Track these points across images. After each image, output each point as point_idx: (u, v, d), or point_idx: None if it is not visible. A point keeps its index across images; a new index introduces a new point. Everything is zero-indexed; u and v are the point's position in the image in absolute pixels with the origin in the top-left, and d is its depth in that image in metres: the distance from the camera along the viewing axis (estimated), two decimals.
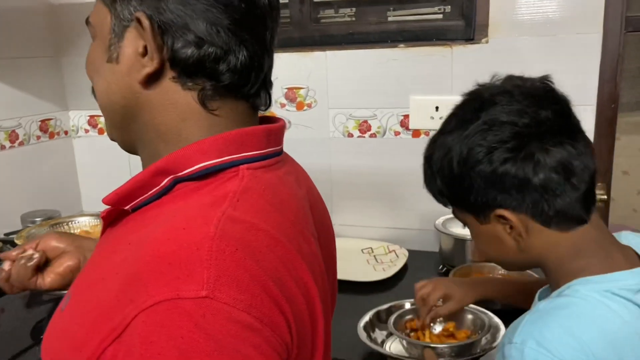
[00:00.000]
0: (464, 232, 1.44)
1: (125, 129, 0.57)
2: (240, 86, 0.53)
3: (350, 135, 1.59)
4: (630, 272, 0.66)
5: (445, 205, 0.76)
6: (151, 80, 0.52)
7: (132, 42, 0.52)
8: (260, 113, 0.61)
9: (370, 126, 1.57)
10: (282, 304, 0.45)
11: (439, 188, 0.73)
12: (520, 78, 0.71)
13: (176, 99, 0.52)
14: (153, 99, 0.53)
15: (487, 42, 1.41)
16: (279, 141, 0.59)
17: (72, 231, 1.33)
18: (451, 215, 1.54)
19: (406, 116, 1.52)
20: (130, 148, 0.59)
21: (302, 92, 1.61)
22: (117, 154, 1.98)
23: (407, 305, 1.13)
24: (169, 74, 0.52)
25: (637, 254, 0.71)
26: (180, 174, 0.51)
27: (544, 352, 0.60)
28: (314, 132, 1.62)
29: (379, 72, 1.52)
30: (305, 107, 1.62)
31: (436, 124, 1.46)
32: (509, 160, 0.64)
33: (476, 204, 0.69)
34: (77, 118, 1.83)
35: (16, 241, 1.26)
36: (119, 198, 0.52)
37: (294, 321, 0.46)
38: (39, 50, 1.70)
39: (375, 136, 1.57)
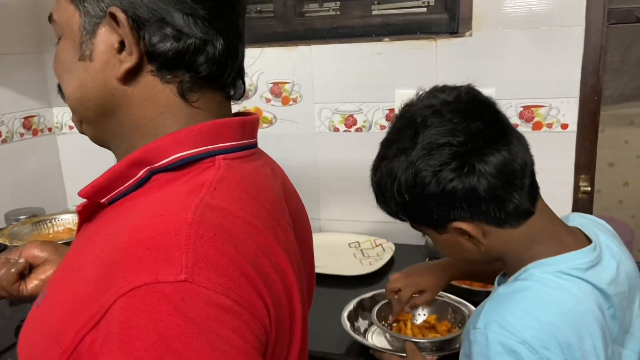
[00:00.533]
0: None
1: (98, 124, 0.56)
2: (218, 76, 0.53)
3: (336, 129, 1.59)
4: (579, 252, 0.70)
5: (403, 221, 0.78)
6: (129, 75, 0.51)
7: (105, 39, 0.51)
8: (243, 108, 0.61)
9: (356, 120, 1.57)
10: (261, 289, 0.45)
11: (394, 210, 0.75)
12: (445, 90, 0.73)
13: (155, 92, 0.52)
14: (130, 94, 0.52)
15: (471, 35, 1.41)
16: (254, 134, 0.59)
17: (54, 229, 1.32)
18: None
19: (391, 110, 1.52)
20: (102, 143, 0.58)
21: (287, 86, 1.60)
22: (102, 151, 1.96)
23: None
24: (147, 68, 0.51)
25: (584, 234, 0.75)
26: (156, 165, 0.51)
27: (507, 334, 0.63)
28: (299, 127, 1.62)
29: (364, 66, 1.52)
30: (291, 102, 1.61)
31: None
32: (454, 178, 0.67)
33: (432, 220, 0.72)
34: (61, 115, 1.81)
35: None
36: (95, 191, 0.52)
37: (273, 305, 0.46)
38: (21, 46, 1.69)
39: (361, 130, 1.57)
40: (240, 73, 0.57)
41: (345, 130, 1.58)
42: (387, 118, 1.54)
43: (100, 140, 0.58)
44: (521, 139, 0.71)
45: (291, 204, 0.63)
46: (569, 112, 1.39)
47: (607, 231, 0.79)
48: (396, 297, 1.02)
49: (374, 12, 1.54)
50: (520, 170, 0.68)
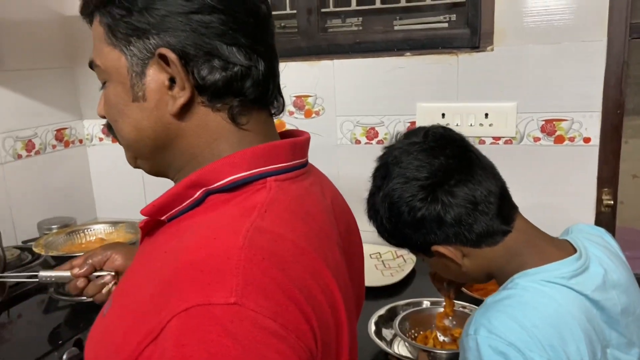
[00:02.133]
0: None
1: (154, 158, 0.59)
2: (263, 96, 0.57)
3: (358, 142, 1.62)
4: (562, 262, 0.75)
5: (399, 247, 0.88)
6: (183, 110, 0.54)
7: (155, 78, 0.54)
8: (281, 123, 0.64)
9: (377, 133, 1.59)
10: (308, 312, 0.47)
11: (387, 238, 0.85)
12: (417, 132, 0.82)
13: (207, 121, 0.55)
14: (185, 126, 0.56)
15: (492, 50, 1.42)
16: (304, 153, 0.62)
17: (87, 239, 1.37)
18: None
19: (413, 123, 1.54)
20: (158, 174, 0.62)
21: (310, 100, 1.63)
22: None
23: (425, 304, 1.17)
24: (198, 99, 0.54)
25: (572, 245, 0.80)
26: (211, 186, 0.54)
27: (494, 337, 0.69)
28: (321, 139, 1.65)
29: (386, 80, 1.54)
30: (313, 115, 1.64)
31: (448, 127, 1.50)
32: (422, 208, 0.76)
33: (415, 246, 0.82)
34: (92, 127, 1.87)
35: (34, 249, 1.29)
36: (156, 209, 0.56)
37: (319, 328, 0.48)
38: (54, 61, 1.75)
39: (383, 143, 1.59)
40: (279, 90, 0.61)
41: (366, 143, 1.61)
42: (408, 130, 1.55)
43: (156, 172, 0.62)
44: (486, 168, 0.79)
45: (342, 220, 0.66)
46: (591, 125, 1.39)
47: (600, 242, 0.84)
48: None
49: (395, 28, 1.57)
50: (485, 197, 0.76)
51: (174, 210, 0.56)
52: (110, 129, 0.62)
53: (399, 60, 1.52)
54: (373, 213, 0.83)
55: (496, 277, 0.81)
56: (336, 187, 0.71)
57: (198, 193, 0.54)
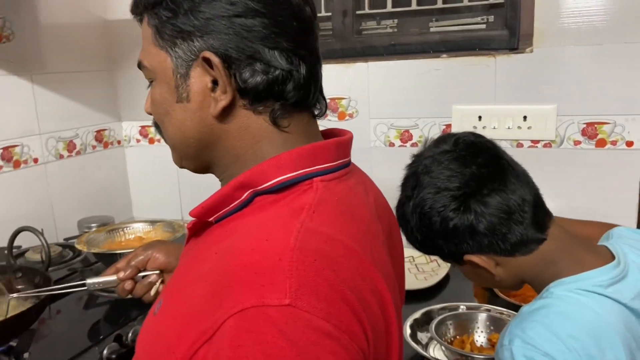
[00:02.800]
0: None
1: (199, 158, 0.61)
2: (304, 99, 0.57)
3: (392, 144, 1.61)
4: (599, 270, 0.73)
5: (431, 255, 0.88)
6: (225, 112, 0.55)
7: (199, 80, 0.55)
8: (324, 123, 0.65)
9: (411, 135, 1.58)
10: (359, 312, 0.47)
11: (417, 247, 0.85)
12: (446, 139, 0.80)
13: (249, 123, 0.56)
14: (227, 128, 0.56)
15: (531, 51, 1.40)
16: (348, 152, 0.62)
17: (126, 237, 1.40)
18: None
19: (448, 125, 1.53)
20: (203, 172, 0.63)
21: (343, 102, 1.63)
22: (166, 163, 2.05)
23: (462, 308, 1.15)
24: (240, 102, 0.55)
25: (610, 252, 0.78)
26: (259, 187, 0.54)
27: (529, 347, 0.68)
28: (355, 141, 1.62)
29: (421, 82, 1.53)
30: (347, 117, 1.64)
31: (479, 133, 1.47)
32: (454, 218, 0.75)
33: (447, 255, 0.81)
34: (130, 128, 1.92)
35: (77, 246, 1.32)
36: (205, 211, 0.57)
37: (370, 329, 0.48)
38: (94, 64, 1.80)
39: (417, 145, 1.58)
40: (321, 92, 0.61)
41: (400, 145, 1.60)
42: (444, 133, 1.54)
43: (201, 171, 0.63)
44: (520, 176, 0.77)
45: (385, 220, 0.66)
46: (634, 129, 1.35)
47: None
48: None
49: (431, 29, 1.56)
50: (518, 206, 0.75)
51: (221, 212, 0.56)
52: (157, 128, 0.64)
53: (435, 62, 1.50)
54: (403, 222, 0.82)
55: (532, 285, 0.80)
56: (377, 186, 0.70)
57: (246, 194, 0.55)
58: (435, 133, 1.55)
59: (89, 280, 0.85)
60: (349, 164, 0.62)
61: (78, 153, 1.73)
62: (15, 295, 0.96)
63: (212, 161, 0.60)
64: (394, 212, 0.83)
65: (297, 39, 0.55)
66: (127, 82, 1.86)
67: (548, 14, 1.37)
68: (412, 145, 1.58)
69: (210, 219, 0.57)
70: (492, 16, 1.48)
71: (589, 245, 0.80)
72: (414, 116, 1.56)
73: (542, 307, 0.72)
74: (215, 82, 0.54)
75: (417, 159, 0.82)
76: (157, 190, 1.92)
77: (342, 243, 0.50)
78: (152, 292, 0.83)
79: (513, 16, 1.41)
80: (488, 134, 1.45)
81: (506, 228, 0.74)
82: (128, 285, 0.82)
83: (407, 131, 1.58)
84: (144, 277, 0.84)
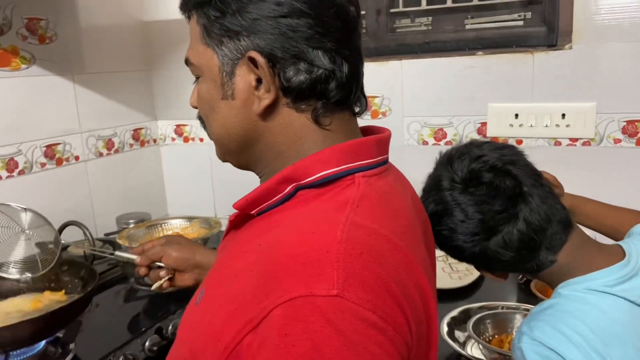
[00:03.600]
0: None
1: (242, 153, 0.62)
2: (346, 98, 0.57)
3: (425, 143, 1.60)
4: (607, 270, 0.75)
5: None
6: (268, 110, 0.56)
7: (244, 78, 0.56)
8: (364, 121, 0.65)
9: (445, 134, 1.57)
10: (404, 305, 0.48)
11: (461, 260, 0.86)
12: (461, 168, 0.79)
13: (291, 121, 0.57)
14: (270, 125, 0.58)
15: (570, 48, 1.37)
16: (386, 150, 0.63)
17: (164, 233, 1.43)
18: None
19: (483, 124, 1.51)
20: (245, 167, 0.64)
21: (377, 100, 1.63)
22: (200, 161, 2.08)
23: (501, 307, 1.14)
24: (283, 101, 0.56)
25: (623, 250, 0.79)
26: (302, 182, 0.55)
27: (537, 344, 0.70)
28: None
29: (456, 80, 1.52)
30: (380, 116, 1.64)
31: (516, 132, 1.47)
32: (475, 247, 0.77)
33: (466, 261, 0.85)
34: (165, 127, 1.95)
35: (118, 240, 1.36)
36: (248, 203, 0.58)
37: (414, 322, 0.49)
38: (131, 64, 1.84)
39: (451, 144, 1.57)
40: (362, 91, 0.61)
41: (434, 144, 1.59)
42: (479, 132, 1.53)
43: (244, 167, 0.64)
44: (540, 197, 0.76)
45: (421, 217, 0.66)
46: None
47: None
48: None
49: (467, 27, 1.54)
50: (531, 238, 0.76)
51: (264, 205, 0.57)
52: (202, 122, 0.65)
53: (470, 59, 1.49)
54: (445, 242, 0.83)
55: (546, 282, 0.84)
56: (410, 182, 0.71)
57: (289, 188, 0.56)
58: (470, 131, 1.54)
59: (117, 252, 1.01)
60: (387, 161, 0.63)
61: (116, 151, 1.77)
62: (64, 242, 1.11)
63: (254, 157, 0.61)
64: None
65: (341, 39, 0.56)
66: (162, 82, 1.90)
67: (587, 10, 1.34)
68: (447, 143, 1.57)
69: (253, 212, 0.58)
70: (530, 12, 1.46)
71: (602, 246, 0.82)
72: (449, 114, 1.55)
73: (550, 306, 0.75)
74: (259, 81, 0.55)
75: (438, 197, 0.80)
76: (191, 188, 1.95)
77: (386, 237, 0.51)
78: (154, 287, 0.92)
79: (551, 12, 1.39)
80: (525, 132, 1.45)
81: (517, 260, 0.78)
82: (142, 270, 0.93)
83: (441, 129, 1.57)
84: (158, 267, 0.93)
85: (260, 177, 0.63)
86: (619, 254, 0.78)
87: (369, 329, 0.44)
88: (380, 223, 0.52)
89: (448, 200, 0.78)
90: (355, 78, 0.58)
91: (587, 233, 0.84)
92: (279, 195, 0.56)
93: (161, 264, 0.92)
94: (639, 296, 0.74)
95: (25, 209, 1.09)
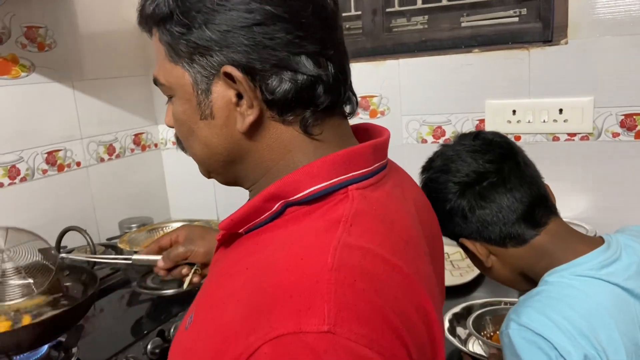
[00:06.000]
0: None
1: (227, 172, 0.58)
2: (335, 102, 0.54)
3: (424, 141, 1.60)
4: (589, 255, 0.77)
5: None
6: (253, 126, 0.52)
7: (222, 95, 0.52)
8: (361, 122, 0.64)
9: (444, 131, 1.57)
10: (403, 335, 0.44)
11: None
12: (469, 136, 0.88)
13: (278, 135, 0.53)
14: (256, 141, 0.53)
15: (566, 43, 1.37)
16: (385, 154, 0.59)
17: None
18: None
19: (481, 120, 1.51)
20: (233, 184, 0.60)
21: (375, 100, 1.64)
22: None
23: (503, 304, 1.15)
24: (267, 114, 0.52)
25: (604, 240, 0.82)
26: (291, 198, 0.51)
27: (524, 329, 0.72)
28: None
29: (453, 78, 1.52)
30: (379, 115, 1.65)
31: (514, 128, 1.47)
32: (451, 200, 0.83)
33: (449, 234, 0.87)
34: (166, 132, 1.96)
35: (119, 245, 1.37)
36: (234, 223, 0.54)
37: (415, 350, 0.45)
38: (130, 69, 1.85)
39: (450, 141, 1.57)
40: (351, 89, 0.57)
41: (433, 142, 1.59)
42: (477, 128, 1.53)
43: (231, 184, 0.61)
44: (525, 177, 0.82)
45: (426, 223, 0.62)
46: None
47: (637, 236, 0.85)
48: None
49: (462, 24, 1.55)
50: (511, 204, 0.80)
51: (251, 223, 0.54)
52: (179, 142, 0.61)
53: (467, 57, 1.49)
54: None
55: (530, 277, 0.84)
56: (416, 183, 0.68)
57: (277, 205, 0.52)
58: (468, 128, 1.54)
59: (134, 257, 0.96)
60: (385, 166, 0.58)
61: (117, 156, 1.78)
62: (65, 255, 1.06)
63: (241, 175, 0.58)
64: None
65: (323, 39, 0.52)
66: None
67: (582, 5, 1.34)
68: (445, 141, 1.57)
69: (240, 231, 0.55)
70: (525, 9, 1.46)
71: (583, 236, 0.84)
72: (446, 112, 1.56)
73: (537, 293, 0.76)
74: (239, 96, 0.51)
75: (442, 147, 0.92)
76: (193, 192, 1.96)
77: (383, 259, 0.47)
78: (185, 285, 0.90)
79: (546, 8, 1.39)
80: (523, 128, 1.45)
81: (495, 220, 0.81)
82: (162, 272, 0.92)
83: (440, 127, 1.58)
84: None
85: (249, 192, 0.60)
86: (600, 242, 0.81)
87: None
88: (376, 242, 0.48)
89: (449, 152, 0.87)
90: (342, 77, 0.54)
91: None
92: (267, 214, 0.52)
93: (185, 262, 0.91)
94: (624, 278, 0.75)
95: (6, 228, 1.04)
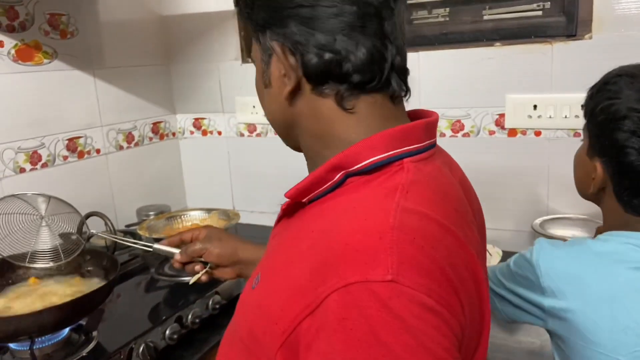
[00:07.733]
0: (563, 233, 1.40)
1: (289, 136, 0.67)
2: (369, 81, 0.58)
3: (443, 135, 1.60)
4: None
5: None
6: (294, 96, 0.60)
7: (275, 67, 0.60)
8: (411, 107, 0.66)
9: (463, 125, 1.57)
10: (457, 287, 0.49)
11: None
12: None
13: (318, 106, 0.60)
14: (300, 110, 0.61)
15: (590, 37, 1.35)
16: (434, 134, 0.63)
17: (184, 224, 1.45)
18: (550, 217, 1.50)
19: (501, 115, 1.50)
20: (297, 149, 0.68)
21: None
22: (218, 154, 2.10)
23: None
24: (307, 87, 0.59)
25: None
26: (351, 169, 0.56)
27: (545, 244, 0.88)
28: None
29: (473, 72, 1.51)
30: None
31: (534, 123, 1.46)
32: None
33: (596, 145, 0.92)
34: (184, 121, 1.98)
35: (139, 231, 1.39)
36: (299, 192, 0.59)
37: (466, 303, 0.50)
38: (150, 58, 1.86)
39: (469, 135, 1.56)
40: (395, 73, 0.59)
41: (451, 136, 1.58)
42: (497, 123, 1.52)
43: (295, 148, 0.68)
44: None
45: (470, 199, 0.66)
46: None
47: None
48: None
49: (484, 17, 1.53)
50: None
51: (314, 193, 0.59)
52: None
53: (488, 50, 1.48)
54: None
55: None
56: (460, 166, 0.71)
57: (338, 175, 0.57)
58: (488, 122, 1.53)
59: (155, 246, 1.00)
60: (434, 144, 0.63)
61: (136, 144, 1.80)
62: (95, 231, 1.11)
63: (298, 140, 0.65)
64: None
65: (354, 25, 0.56)
66: (181, 76, 1.92)
67: None
68: (464, 135, 1.56)
69: (304, 200, 0.60)
70: (549, 2, 1.44)
71: None
72: (466, 106, 1.55)
73: (584, 242, 0.87)
74: None
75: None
76: (209, 181, 1.97)
77: (437, 222, 0.51)
78: (192, 282, 0.95)
79: (571, 2, 1.37)
80: (544, 123, 1.44)
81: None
82: (177, 265, 0.97)
83: (459, 121, 1.57)
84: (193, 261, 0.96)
85: (307, 160, 0.66)
86: None
87: (426, 312, 0.45)
88: (430, 207, 0.52)
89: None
90: (378, 62, 0.58)
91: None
92: (329, 183, 0.58)
93: (200, 259, 0.95)
94: None
95: (48, 197, 1.11)
